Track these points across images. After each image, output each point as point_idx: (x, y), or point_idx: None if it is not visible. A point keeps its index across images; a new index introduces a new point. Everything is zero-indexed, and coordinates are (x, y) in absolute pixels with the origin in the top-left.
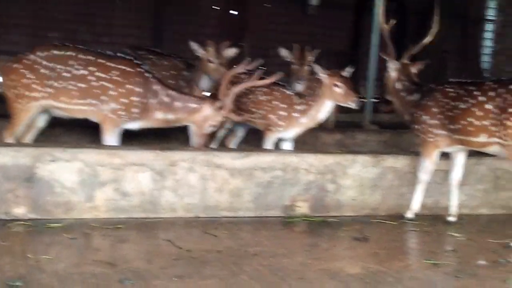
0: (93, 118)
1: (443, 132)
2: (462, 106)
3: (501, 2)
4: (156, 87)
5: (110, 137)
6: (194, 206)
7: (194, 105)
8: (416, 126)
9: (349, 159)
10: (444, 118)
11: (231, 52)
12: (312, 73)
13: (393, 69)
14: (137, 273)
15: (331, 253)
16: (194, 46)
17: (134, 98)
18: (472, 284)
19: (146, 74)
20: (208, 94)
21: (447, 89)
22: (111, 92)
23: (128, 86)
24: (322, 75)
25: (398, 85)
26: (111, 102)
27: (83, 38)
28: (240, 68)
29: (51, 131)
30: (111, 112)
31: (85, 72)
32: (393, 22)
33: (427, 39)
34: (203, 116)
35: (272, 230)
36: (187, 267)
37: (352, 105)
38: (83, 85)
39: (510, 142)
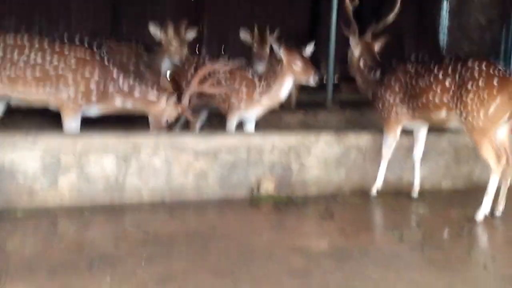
0: (52, 106)
1: (405, 109)
2: (422, 83)
3: None
4: (116, 75)
5: (71, 124)
6: (160, 189)
7: (152, 98)
8: (378, 103)
9: (312, 138)
10: (405, 95)
11: (190, 34)
12: (272, 54)
13: (356, 47)
14: (104, 258)
15: (298, 231)
16: (153, 28)
17: (92, 86)
18: (437, 256)
19: (105, 62)
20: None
21: (407, 67)
22: (69, 81)
23: (85, 73)
24: (281, 53)
25: (361, 63)
26: (69, 90)
27: (39, 25)
28: (217, 66)
29: (10, 118)
30: (70, 100)
31: (41, 61)
32: (356, 0)
33: (390, 17)
34: (160, 110)
35: (239, 210)
36: (154, 250)
37: (311, 81)
38: (39, 74)
39: (468, 117)
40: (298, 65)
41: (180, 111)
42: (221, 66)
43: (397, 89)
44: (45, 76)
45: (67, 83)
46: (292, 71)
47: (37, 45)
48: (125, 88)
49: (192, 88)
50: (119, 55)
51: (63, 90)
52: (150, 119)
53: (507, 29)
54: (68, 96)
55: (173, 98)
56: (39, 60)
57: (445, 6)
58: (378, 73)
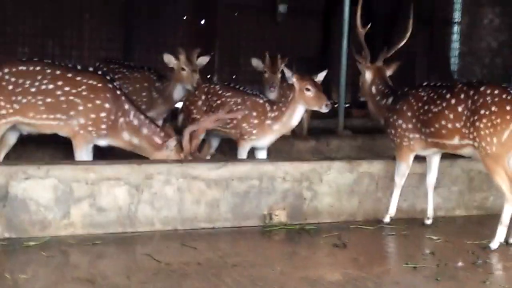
0: (63, 133)
1: (418, 135)
2: (435, 109)
3: (466, 4)
4: (127, 106)
5: (81, 152)
6: (172, 218)
7: (157, 140)
8: (390, 130)
9: (324, 165)
10: (418, 122)
11: (203, 60)
12: (284, 80)
13: (368, 72)
14: None
15: (311, 261)
16: (167, 57)
17: (102, 114)
18: (452, 286)
19: (117, 91)
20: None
21: (419, 93)
22: (79, 107)
23: (97, 101)
24: (293, 79)
25: (373, 89)
26: (79, 117)
27: (52, 52)
28: (208, 123)
29: (23, 148)
30: (80, 127)
31: (53, 87)
32: (367, 26)
33: (402, 42)
34: (162, 156)
35: (251, 239)
36: (167, 281)
37: (323, 109)
38: (50, 100)
39: (481, 143)
40: (310, 92)
41: (183, 157)
42: (223, 116)
43: (409, 115)
44: (56, 103)
45: (77, 110)
46: (304, 98)
47: (49, 71)
48: (135, 122)
49: (196, 138)
50: (132, 82)
51: (73, 117)
52: None
53: None
54: (79, 123)
55: (175, 143)
56: (50, 87)
57: (456, 30)
58: (390, 99)
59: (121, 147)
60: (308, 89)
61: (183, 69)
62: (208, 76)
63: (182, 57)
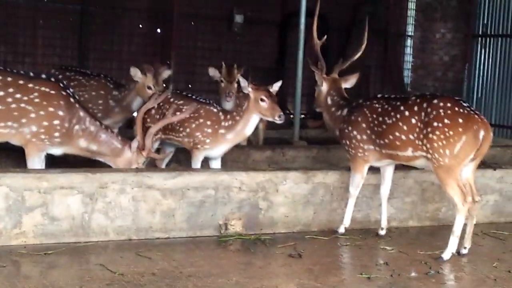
0: (15, 141)
1: (372, 147)
2: (389, 120)
3: (419, 18)
4: (82, 113)
5: (34, 161)
6: (126, 228)
7: (117, 144)
8: (345, 141)
9: (280, 176)
10: (372, 133)
11: (165, 73)
12: (240, 90)
13: (324, 84)
14: None
15: (266, 271)
16: (134, 70)
17: (56, 122)
18: None
19: (71, 99)
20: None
21: (374, 104)
22: (31, 115)
23: (50, 108)
24: (249, 89)
25: (329, 100)
26: (31, 125)
27: (5, 58)
28: (150, 104)
29: None
30: (33, 135)
31: (3, 94)
32: (324, 38)
33: (357, 54)
34: (126, 160)
35: (206, 250)
36: None
37: (276, 120)
38: (1, 107)
39: (434, 155)
40: (265, 103)
41: (145, 156)
42: (160, 100)
43: (364, 126)
44: (7, 110)
45: (29, 117)
46: (259, 108)
47: (0, 78)
48: (92, 129)
49: (150, 138)
50: (88, 89)
51: (25, 125)
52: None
53: (469, 67)
54: (31, 131)
55: (136, 144)
56: (1, 94)
57: (409, 44)
58: (345, 110)
59: (80, 155)
60: (263, 100)
61: (149, 88)
62: (164, 86)
63: (149, 75)
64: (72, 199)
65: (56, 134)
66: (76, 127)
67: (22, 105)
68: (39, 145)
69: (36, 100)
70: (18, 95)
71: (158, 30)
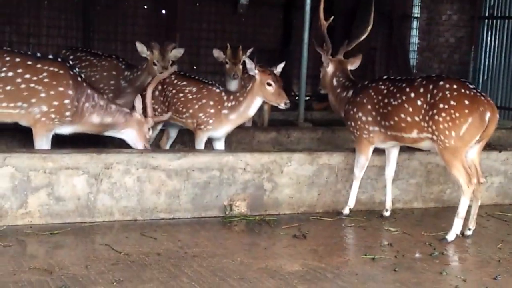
0: (24, 122)
1: (377, 128)
2: (394, 102)
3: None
4: (90, 90)
5: (42, 141)
6: (131, 209)
7: (126, 111)
8: (350, 123)
9: (285, 157)
10: (378, 115)
11: (178, 52)
12: (245, 71)
13: (331, 65)
14: (75, 279)
15: (271, 252)
16: (140, 46)
17: (66, 101)
18: (409, 277)
19: (78, 78)
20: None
21: (379, 86)
22: (41, 95)
23: (59, 88)
24: (255, 71)
25: (334, 81)
26: (42, 105)
27: (10, 39)
28: (154, 82)
29: None
30: (43, 115)
31: (12, 74)
32: (330, 19)
33: (362, 36)
34: (137, 124)
35: (211, 230)
36: (126, 271)
37: (281, 106)
38: (10, 88)
39: (440, 137)
40: (271, 87)
41: (152, 122)
42: (167, 74)
43: (369, 108)
44: (17, 91)
45: (39, 97)
46: (264, 92)
47: (8, 59)
48: (102, 103)
49: (149, 97)
50: (99, 70)
51: (34, 105)
52: (129, 138)
53: (475, 49)
54: (40, 111)
55: (140, 106)
56: (10, 74)
57: (415, 26)
58: (350, 92)
59: (91, 132)
60: (269, 84)
61: (154, 64)
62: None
63: (155, 52)
64: (78, 179)
65: (67, 113)
66: (86, 104)
67: (32, 85)
68: (48, 125)
69: (46, 80)
70: (27, 76)
71: (163, 11)
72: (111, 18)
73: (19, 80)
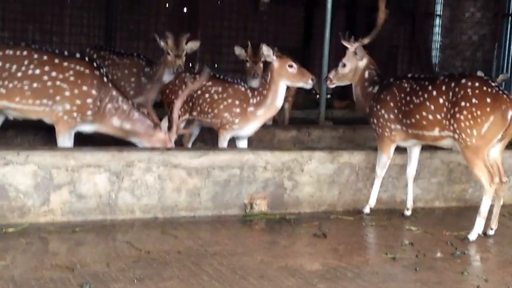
0: (47, 119)
1: (399, 126)
2: (416, 100)
3: None
4: (115, 92)
5: (64, 138)
6: (152, 206)
7: (149, 123)
8: (373, 120)
9: (305, 155)
10: (400, 113)
11: (194, 45)
12: (266, 70)
13: (365, 58)
14: (96, 277)
15: (291, 250)
16: (157, 38)
17: (89, 100)
18: (430, 276)
19: (104, 78)
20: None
21: (403, 84)
22: (65, 93)
23: (83, 87)
24: (273, 57)
25: (366, 74)
26: (65, 103)
27: (33, 37)
28: (185, 94)
29: (3, 133)
30: (65, 113)
31: (39, 72)
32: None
33: (375, 31)
34: (158, 140)
35: (231, 228)
36: (147, 268)
37: (308, 84)
38: (37, 85)
39: (462, 135)
40: (293, 68)
41: (176, 134)
42: (199, 84)
43: (392, 105)
44: (43, 88)
45: (63, 95)
46: (287, 75)
47: (36, 56)
48: (125, 107)
49: (176, 112)
50: (121, 68)
51: (58, 102)
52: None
53: (499, 47)
54: (64, 109)
55: (166, 124)
56: (37, 72)
57: (437, 23)
58: (376, 88)
59: (114, 135)
60: (291, 66)
61: (168, 54)
62: (190, 65)
63: (169, 41)
64: (99, 177)
65: (89, 112)
66: (109, 105)
67: (58, 83)
68: (70, 123)
69: (71, 78)
70: (53, 73)
71: (185, 10)
72: (133, 17)
73: (45, 77)
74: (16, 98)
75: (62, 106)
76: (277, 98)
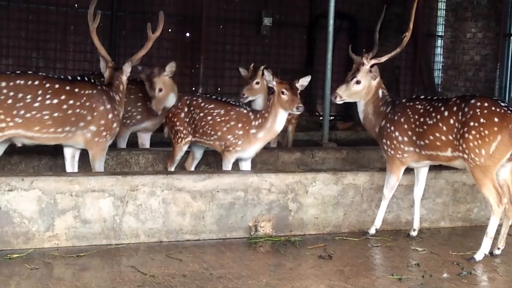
0: (70, 143)
1: (412, 148)
2: (430, 121)
3: (449, 17)
4: (112, 94)
5: (101, 162)
6: (157, 230)
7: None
8: (386, 141)
9: (309, 177)
10: (414, 134)
11: (170, 67)
12: (271, 92)
13: (379, 77)
14: None
15: (296, 273)
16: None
17: (110, 116)
18: None
19: (104, 88)
20: None
21: (416, 105)
22: (88, 118)
23: (100, 108)
24: (273, 83)
25: (380, 93)
26: (90, 126)
27: (36, 64)
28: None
29: (8, 159)
30: (94, 135)
31: (57, 101)
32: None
33: (373, 52)
34: None
35: (236, 251)
36: None
37: (295, 111)
38: (58, 114)
39: (470, 155)
40: (285, 95)
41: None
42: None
43: (406, 127)
44: (65, 117)
45: (86, 120)
46: (280, 101)
47: (48, 85)
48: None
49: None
50: (127, 93)
51: (84, 128)
52: None
53: (501, 67)
54: (91, 132)
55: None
56: (55, 101)
57: (440, 44)
58: (389, 108)
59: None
60: (283, 92)
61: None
62: (193, 89)
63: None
64: (104, 202)
65: (114, 125)
66: (120, 108)
67: (77, 110)
68: (102, 143)
69: (87, 104)
70: (71, 101)
71: (187, 34)
72: (136, 42)
73: (65, 106)
74: (35, 128)
75: (88, 130)
76: (277, 122)
